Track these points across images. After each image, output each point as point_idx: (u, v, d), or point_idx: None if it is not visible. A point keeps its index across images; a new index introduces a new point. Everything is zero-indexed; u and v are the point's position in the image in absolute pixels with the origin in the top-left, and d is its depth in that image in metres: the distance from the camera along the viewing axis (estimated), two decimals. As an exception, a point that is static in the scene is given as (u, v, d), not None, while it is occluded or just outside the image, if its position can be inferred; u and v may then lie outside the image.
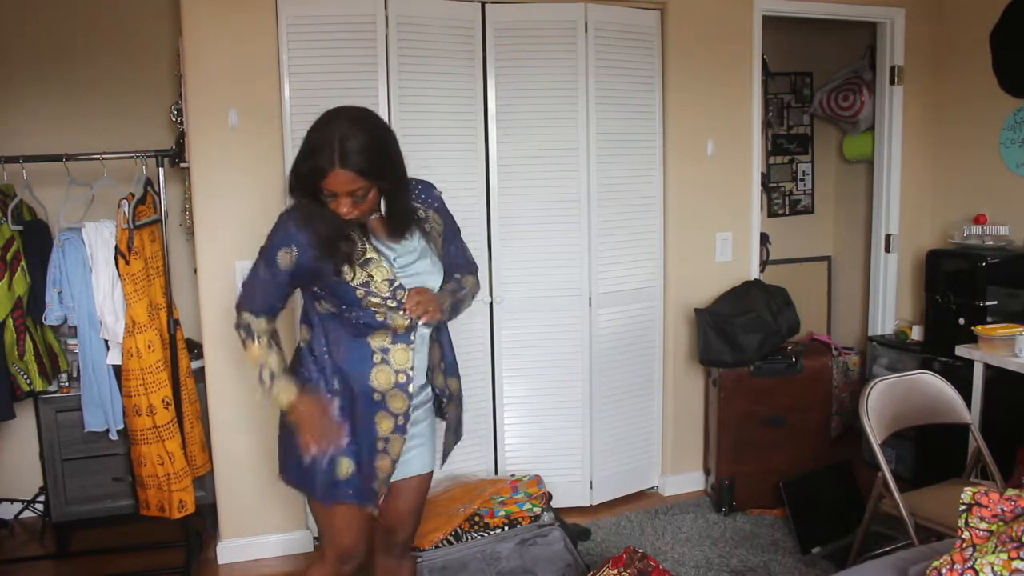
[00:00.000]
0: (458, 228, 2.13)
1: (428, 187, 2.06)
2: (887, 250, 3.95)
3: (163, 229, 2.88)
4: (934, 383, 2.66)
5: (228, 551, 3.07)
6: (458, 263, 2.10)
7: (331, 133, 1.77)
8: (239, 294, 1.99)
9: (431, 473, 2.12)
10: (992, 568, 1.52)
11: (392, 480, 1.98)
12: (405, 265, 1.93)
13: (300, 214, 1.84)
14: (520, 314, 3.25)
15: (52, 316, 2.80)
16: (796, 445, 3.37)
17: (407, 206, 1.94)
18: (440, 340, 2.08)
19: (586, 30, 3.18)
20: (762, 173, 3.86)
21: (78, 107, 3.40)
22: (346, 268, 1.85)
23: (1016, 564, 1.50)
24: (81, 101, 3.41)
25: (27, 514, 3.42)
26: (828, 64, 4.46)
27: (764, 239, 4.05)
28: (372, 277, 1.86)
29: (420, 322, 1.92)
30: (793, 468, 3.26)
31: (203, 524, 3.26)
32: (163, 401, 2.80)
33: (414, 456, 2.04)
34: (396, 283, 1.88)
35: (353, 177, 1.77)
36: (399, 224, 1.92)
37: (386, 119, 2.97)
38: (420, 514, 2.15)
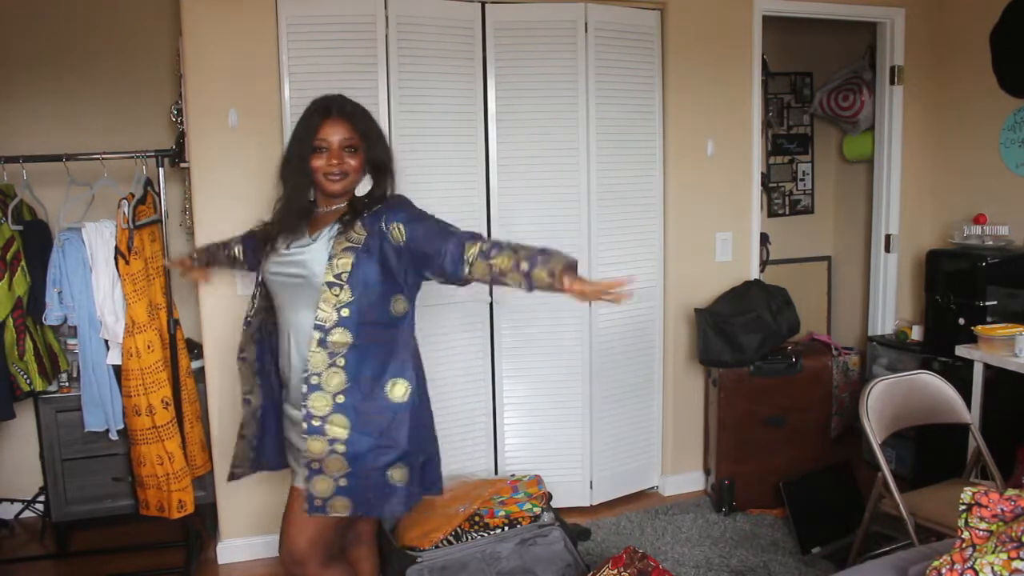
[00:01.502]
0: (419, 213, 1.96)
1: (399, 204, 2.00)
2: (887, 250, 3.95)
3: (163, 229, 2.88)
4: (934, 383, 2.66)
5: (228, 551, 3.07)
6: (431, 237, 1.89)
7: (324, 98, 1.98)
8: None
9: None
10: (992, 568, 1.52)
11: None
12: (291, 258, 1.98)
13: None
14: (520, 314, 3.25)
15: (52, 316, 2.80)
16: (796, 445, 3.37)
17: (385, 190, 2.02)
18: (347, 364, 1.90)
19: (586, 30, 3.18)
20: (762, 173, 3.86)
21: (78, 107, 3.40)
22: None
23: (1016, 564, 1.50)
24: (81, 101, 3.41)
25: (27, 514, 3.42)
26: (828, 64, 4.46)
27: (764, 239, 4.05)
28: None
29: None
30: (793, 468, 3.26)
31: (203, 524, 3.26)
32: (163, 401, 2.80)
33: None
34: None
35: (346, 127, 1.93)
36: (369, 206, 1.97)
37: (386, 119, 2.99)
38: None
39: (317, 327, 1.89)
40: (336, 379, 1.89)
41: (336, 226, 1.95)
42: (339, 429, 1.88)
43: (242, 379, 2.15)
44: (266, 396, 2.13)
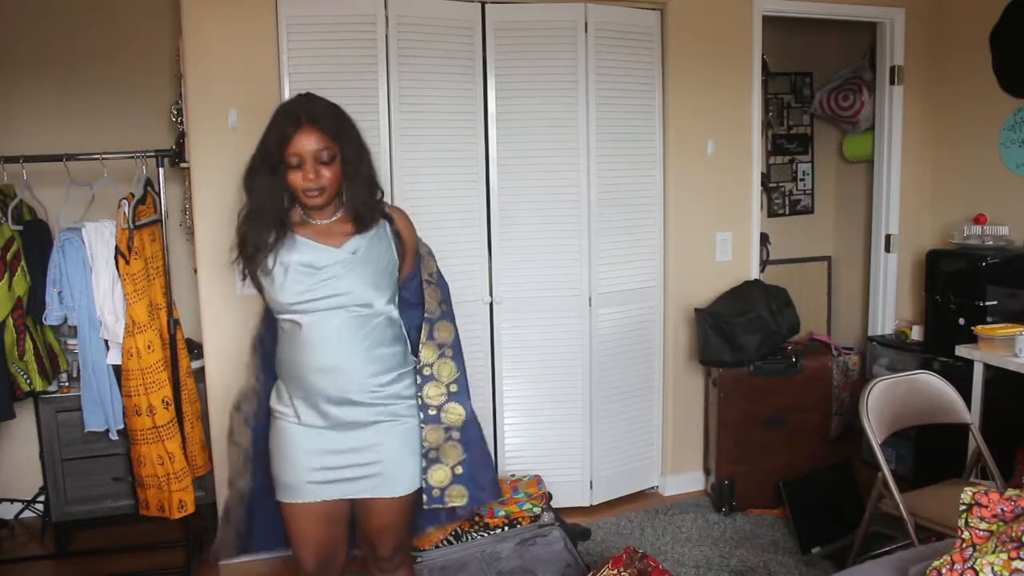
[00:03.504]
0: (425, 253, 2.09)
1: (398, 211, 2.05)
2: (887, 250, 3.95)
3: (163, 229, 2.88)
4: (934, 383, 2.66)
5: (228, 551, 3.06)
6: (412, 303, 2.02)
7: (291, 104, 1.87)
8: None
9: (408, 497, 1.96)
10: (992, 568, 1.52)
11: (356, 497, 1.95)
12: (329, 278, 1.85)
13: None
14: (520, 314, 3.25)
15: (52, 316, 2.80)
16: (796, 445, 3.37)
17: (371, 188, 1.92)
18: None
19: (586, 30, 3.18)
20: (762, 173, 3.86)
21: (78, 107, 3.40)
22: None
23: (1016, 564, 1.50)
24: (81, 101, 3.41)
25: (27, 514, 3.42)
26: (828, 64, 4.46)
27: (764, 239, 4.05)
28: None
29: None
30: (793, 468, 3.26)
31: (203, 524, 3.25)
32: (163, 401, 2.80)
33: (379, 480, 1.93)
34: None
35: (319, 136, 1.79)
36: (361, 213, 1.89)
37: (386, 119, 2.99)
38: (400, 531, 2.02)
39: (427, 319, 1.99)
40: (447, 369, 1.99)
41: (365, 234, 1.91)
42: (455, 417, 1.97)
43: (230, 464, 2.04)
44: (259, 478, 2.00)
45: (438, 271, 2.10)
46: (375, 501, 1.95)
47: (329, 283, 1.85)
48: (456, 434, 1.97)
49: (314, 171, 1.80)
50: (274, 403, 1.96)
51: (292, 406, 1.91)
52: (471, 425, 2.00)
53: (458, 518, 2.14)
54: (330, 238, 1.88)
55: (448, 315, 2.06)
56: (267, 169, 1.82)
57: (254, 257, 1.86)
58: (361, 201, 1.89)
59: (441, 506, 1.97)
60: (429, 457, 1.95)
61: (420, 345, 1.99)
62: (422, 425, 1.96)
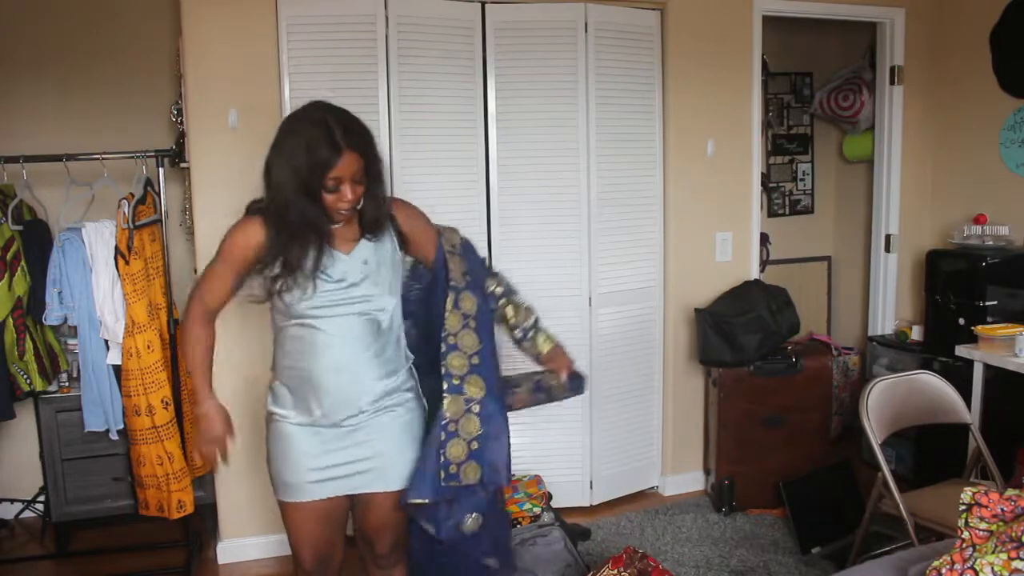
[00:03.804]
0: (483, 270, 2.14)
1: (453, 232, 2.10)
2: (887, 250, 3.95)
3: (163, 229, 2.88)
4: (934, 383, 2.66)
5: (228, 551, 3.07)
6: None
7: (323, 121, 1.75)
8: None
9: (396, 494, 1.96)
10: (992, 568, 1.52)
11: (356, 493, 1.96)
12: (348, 285, 1.86)
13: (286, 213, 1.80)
14: (520, 314, 3.25)
15: (52, 316, 2.80)
16: (796, 445, 3.37)
17: (383, 195, 1.92)
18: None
19: (586, 30, 3.18)
20: (762, 173, 3.86)
21: (78, 107, 3.40)
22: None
23: (1016, 564, 1.50)
24: (81, 101, 3.41)
25: (27, 514, 3.42)
26: (828, 64, 4.46)
27: (764, 239, 4.05)
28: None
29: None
30: (793, 468, 3.26)
31: (203, 524, 3.26)
32: (162, 401, 2.80)
33: (375, 475, 1.94)
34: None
35: (356, 158, 1.77)
36: (374, 218, 1.89)
37: (386, 119, 2.99)
38: (397, 528, 2.03)
39: (452, 288, 1.99)
40: (470, 340, 1.99)
41: (376, 237, 1.93)
42: (476, 389, 1.96)
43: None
44: None
45: (463, 242, 2.10)
46: (373, 497, 1.96)
47: (348, 290, 1.86)
48: (476, 407, 1.97)
49: (352, 191, 1.79)
50: (272, 406, 1.96)
51: (293, 408, 1.91)
52: (491, 400, 1.99)
53: (472, 507, 1.99)
54: (342, 244, 1.89)
55: (473, 286, 2.05)
56: (304, 194, 1.76)
57: (295, 278, 1.82)
58: (377, 210, 1.90)
59: (457, 483, 1.93)
60: (448, 430, 1.94)
61: (446, 313, 1.99)
62: (444, 395, 1.95)
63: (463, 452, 1.95)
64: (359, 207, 1.86)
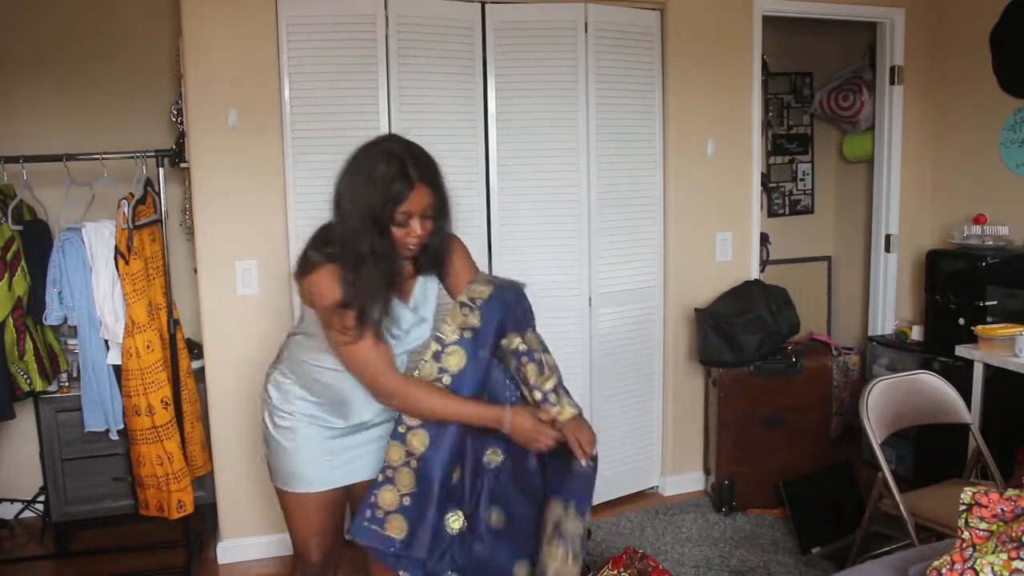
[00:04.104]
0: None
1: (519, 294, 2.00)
2: (887, 250, 3.95)
3: (163, 229, 2.88)
4: (934, 383, 2.66)
5: (228, 551, 3.07)
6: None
7: (396, 153, 1.74)
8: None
9: None
10: (992, 568, 1.52)
11: (367, 479, 1.98)
12: (402, 333, 1.91)
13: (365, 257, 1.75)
14: (520, 314, 3.25)
15: (52, 316, 2.80)
16: (796, 445, 3.37)
17: (449, 231, 1.91)
18: None
19: (586, 30, 3.18)
20: (762, 173, 3.86)
21: (78, 107, 3.40)
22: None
23: (1016, 564, 1.50)
24: (81, 101, 3.40)
25: (27, 514, 3.42)
26: (828, 64, 4.46)
27: (764, 239, 4.05)
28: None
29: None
30: (793, 468, 3.26)
31: (203, 524, 3.26)
32: (162, 401, 2.80)
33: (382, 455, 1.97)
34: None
35: (428, 192, 1.76)
36: (436, 254, 1.90)
37: (386, 119, 2.99)
38: None
39: (437, 339, 1.87)
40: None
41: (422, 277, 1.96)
42: (418, 443, 1.86)
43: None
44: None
45: (494, 296, 1.92)
46: None
47: (401, 336, 1.91)
48: (415, 462, 1.86)
49: (421, 227, 1.78)
50: (284, 405, 1.96)
51: (317, 413, 1.94)
52: (435, 463, 1.85)
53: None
54: (403, 288, 1.92)
55: (474, 344, 1.88)
56: (374, 226, 1.74)
57: (371, 315, 1.78)
58: (441, 246, 1.91)
59: (380, 530, 1.84)
60: (386, 475, 1.86)
61: (421, 360, 1.88)
62: (390, 440, 1.88)
63: (393, 502, 1.86)
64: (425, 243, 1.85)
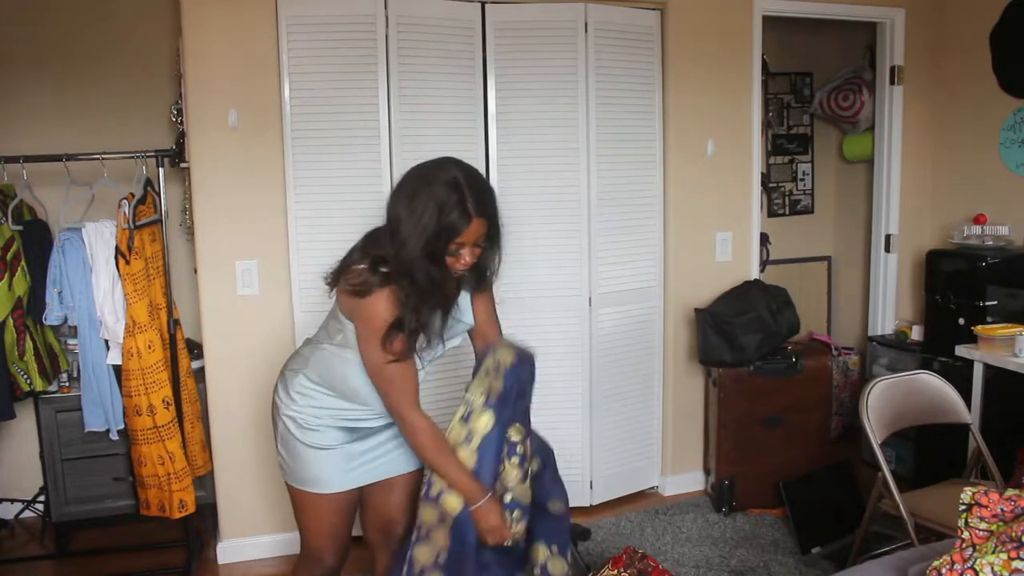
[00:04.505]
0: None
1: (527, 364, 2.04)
2: (887, 250, 3.95)
3: (163, 229, 2.88)
4: (934, 383, 2.66)
5: (228, 551, 3.07)
6: None
7: (457, 184, 1.75)
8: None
9: (418, 472, 2.08)
10: (992, 568, 1.52)
11: (383, 478, 2.04)
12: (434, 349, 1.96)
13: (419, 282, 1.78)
14: (520, 314, 3.25)
15: (52, 316, 2.80)
16: (796, 445, 3.37)
17: (499, 255, 1.94)
18: None
19: (586, 30, 3.18)
20: (762, 173, 3.86)
21: (78, 107, 3.40)
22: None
23: (1016, 564, 1.50)
24: (81, 101, 3.40)
25: (27, 514, 3.42)
26: (828, 64, 4.46)
27: (764, 239, 4.05)
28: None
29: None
30: (793, 468, 3.26)
31: (203, 524, 3.26)
32: (163, 401, 2.80)
33: (399, 454, 2.05)
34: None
35: (483, 223, 1.79)
36: (482, 274, 1.94)
37: (386, 119, 2.99)
38: (413, 509, 2.11)
39: (466, 403, 1.93)
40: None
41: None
42: (455, 502, 1.88)
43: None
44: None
45: (517, 363, 1.98)
46: (397, 478, 2.05)
47: (432, 354, 1.98)
48: (451, 521, 1.89)
49: (471, 254, 1.82)
50: (308, 409, 1.98)
51: (343, 416, 1.98)
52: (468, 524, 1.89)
53: None
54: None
55: (498, 406, 1.93)
56: (430, 257, 1.77)
57: (420, 343, 1.86)
58: (488, 267, 1.94)
59: None
60: (420, 533, 1.90)
61: (453, 420, 1.93)
62: (422, 502, 1.92)
63: (429, 558, 1.89)
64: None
